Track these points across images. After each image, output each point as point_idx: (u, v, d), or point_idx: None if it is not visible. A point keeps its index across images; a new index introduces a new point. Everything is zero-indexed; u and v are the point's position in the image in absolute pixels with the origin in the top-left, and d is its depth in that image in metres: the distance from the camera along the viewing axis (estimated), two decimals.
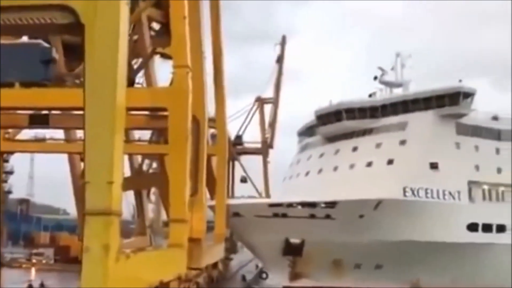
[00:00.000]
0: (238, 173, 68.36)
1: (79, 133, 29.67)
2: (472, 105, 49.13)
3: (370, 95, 54.32)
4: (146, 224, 37.68)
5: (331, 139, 52.13)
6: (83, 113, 10.95)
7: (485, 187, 48.29)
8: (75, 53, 18.80)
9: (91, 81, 10.77)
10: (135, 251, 13.40)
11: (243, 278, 34.97)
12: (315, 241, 40.92)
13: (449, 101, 47.81)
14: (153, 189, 48.92)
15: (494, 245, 44.93)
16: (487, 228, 46.05)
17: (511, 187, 49.38)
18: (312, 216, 41.72)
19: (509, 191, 49.42)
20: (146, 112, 20.10)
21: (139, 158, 37.87)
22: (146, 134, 32.73)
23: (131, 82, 17.06)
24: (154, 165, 41.14)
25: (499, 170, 49.31)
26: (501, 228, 46.58)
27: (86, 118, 10.78)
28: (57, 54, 16.33)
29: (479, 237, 45.16)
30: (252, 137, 69.99)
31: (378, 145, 47.84)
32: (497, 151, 50.17)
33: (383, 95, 54.10)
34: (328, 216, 41.57)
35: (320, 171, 50.14)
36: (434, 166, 45.93)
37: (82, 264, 10.88)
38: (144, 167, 41.87)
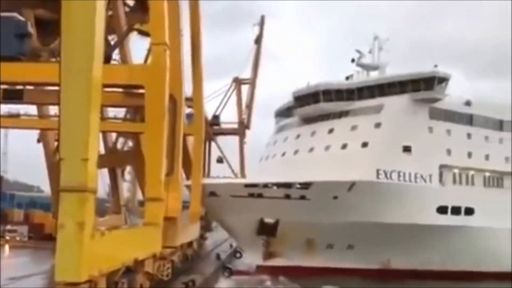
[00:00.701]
0: (215, 153, 68.26)
1: (52, 109, 29.24)
2: (446, 90, 49.77)
3: (347, 78, 54.58)
4: (121, 202, 37.52)
5: (308, 120, 52.39)
6: (58, 89, 10.81)
7: (456, 171, 49.26)
8: (48, 28, 18.45)
9: (67, 56, 10.61)
10: (110, 229, 13.40)
11: (218, 257, 35.21)
12: (289, 221, 41.36)
13: (424, 86, 48.34)
14: (128, 168, 48.63)
15: (463, 228, 46.04)
16: (456, 211, 47.11)
17: (480, 171, 50.58)
18: (287, 196, 42.10)
19: (479, 175, 50.61)
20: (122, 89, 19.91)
21: (114, 136, 37.46)
22: (121, 112, 32.41)
23: (107, 59, 16.84)
24: (130, 143, 40.79)
25: (469, 155, 50.34)
26: (469, 211, 47.71)
27: (62, 94, 10.64)
28: (32, 29, 16.02)
29: (448, 219, 46.19)
30: (229, 117, 69.79)
31: (354, 128, 48.26)
32: (469, 136, 51.14)
33: (360, 77, 54.41)
34: (302, 197, 42.00)
35: (296, 152, 50.46)
36: (407, 149, 46.61)
37: (56, 241, 10.84)
38: (119, 145, 41.47)
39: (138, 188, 47.42)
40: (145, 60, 26.74)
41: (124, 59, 27.10)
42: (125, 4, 22.54)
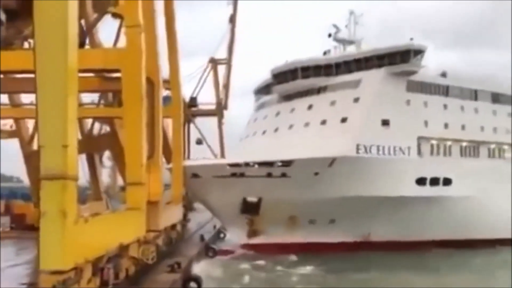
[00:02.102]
0: (194, 135, 68.04)
1: (25, 98, 28.71)
2: (422, 62, 50.16)
3: (324, 53, 54.67)
4: (101, 189, 37.13)
5: (287, 97, 52.46)
6: (34, 77, 10.63)
7: (433, 142, 49.97)
8: (17, 17, 18.02)
9: (41, 43, 10.41)
10: (93, 216, 13.35)
11: (202, 238, 35.34)
12: (272, 199, 41.66)
13: (400, 59, 48.61)
14: (107, 154, 48.19)
15: (441, 198, 46.95)
16: (434, 181, 47.95)
17: (457, 141, 51.41)
18: (269, 175, 42.32)
19: (456, 145, 51.46)
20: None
21: (88, 121, 36.95)
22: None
23: (81, 44, 16.55)
24: (107, 128, 40.35)
25: (446, 125, 51.05)
26: (447, 181, 48.61)
27: (38, 81, 10.48)
28: (4, 15, 15.64)
29: (427, 190, 47.02)
30: (207, 98, 69.47)
31: (333, 103, 48.46)
32: (445, 106, 51.79)
33: (337, 52, 54.52)
34: (284, 175, 42.26)
35: (276, 129, 50.58)
36: (385, 123, 47.05)
37: (39, 230, 10.78)
38: (95, 131, 40.95)
39: (118, 173, 47.13)
40: (115, 43, 26.33)
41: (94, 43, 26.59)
42: None
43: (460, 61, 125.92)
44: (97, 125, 39.68)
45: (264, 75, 57.65)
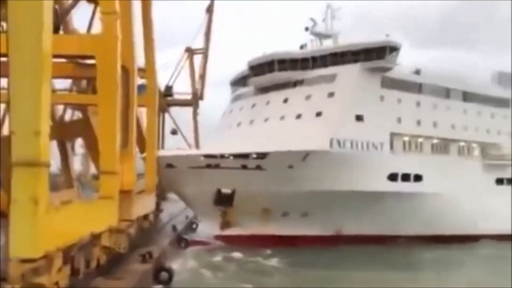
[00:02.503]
0: (168, 125, 67.67)
1: None
2: (397, 59, 50.74)
3: (301, 47, 54.81)
4: (72, 176, 36.59)
5: (263, 90, 52.49)
6: (6, 60, 10.44)
7: (406, 138, 50.74)
8: None
9: (15, 26, 10.22)
10: (65, 204, 13.21)
11: (174, 228, 35.24)
12: (246, 191, 41.74)
13: (376, 55, 49.06)
14: (80, 142, 47.49)
15: (412, 194, 47.76)
16: (406, 177, 48.71)
17: (429, 138, 52.31)
18: (244, 167, 42.36)
19: (427, 142, 52.36)
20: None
21: (60, 107, 36.30)
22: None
23: (56, 29, 16.25)
24: (80, 115, 39.68)
25: (418, 122, 51.89)
26: (418, 178, 49.44)
27: (11, 65, 10.30)
28: None
29: (398, 186, 47.75)
30: (182, 88, 69.09)
31: (308, 97, 48.68)
32: (418, 104, 52.58)
33: (314, 46, 54.74)
34: (259, 167, 42.36)
35: (251, 122, 50.62)
36: (359, 118, 47.50)
37: (8, 217, 10.63)
38: (67, 118, 40.25)
39: (91, 161, 46.47)
40: (88, 29, 25.92)
41: (70, 29, 26.13)
42: None
43: (432, 59, 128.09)
44: (69, 112, 39.09)
45: (240, 67, 57.69)
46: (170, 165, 40.79)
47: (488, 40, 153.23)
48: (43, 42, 10.54)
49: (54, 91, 28.22)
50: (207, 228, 43.36)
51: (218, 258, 35.82)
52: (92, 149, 30.70)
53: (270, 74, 51.36)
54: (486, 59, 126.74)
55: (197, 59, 68.98)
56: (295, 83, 50.55)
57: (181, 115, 68.70)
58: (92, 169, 49.51)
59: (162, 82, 59.95)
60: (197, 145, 65.47)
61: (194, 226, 44.30)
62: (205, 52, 67.96)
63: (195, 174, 41.15)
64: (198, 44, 68.10)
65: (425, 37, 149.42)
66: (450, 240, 47.46)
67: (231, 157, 42.46)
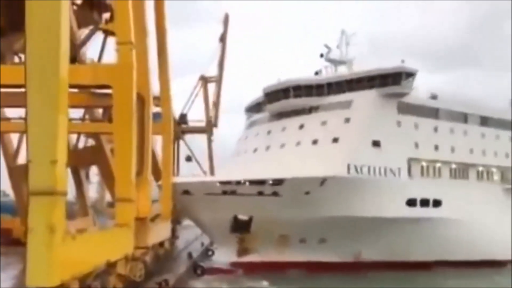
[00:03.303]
0: (183, 152, 68.08)
1: (8, 111, 28.46)
2: (413, 85, 50.70)
3: (316, 73, 55.14)
4: (87, 204, 36.45)
5: (279, 116, 52.69)
6: (24, 91, 10.60)
7: (423, 163, 50.29)
8: (11, 29, 18.05)
9: (33, 57, 10.41)
10: (81, 232, 13.22)
11: (190, 255, 34.90)
12: (262, 218, 41.55)
13: (392, 81, 49.14)
14: (95, 170, 47.70)
15: (431, 219, 47.04)
16: (424, 203, 48.09)
17: (447, 163, 51.75)
18: (260, 193, 42.24)
19: (445, 167, 51.78)
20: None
21: (74, 135, 36.59)
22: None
23: (73, 59, 16.56)
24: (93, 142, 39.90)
25: (436, 147, 51.46)
26: (437, 203, 48.78)
27: (28, 95, 10.44)
28: None
29: (417, 211, 47.13)
30: (197, 116, 69.72)
31: (324, 123, 48.73)
32: (435, 129, 52.24)
33: (329, 72, 55.01)
34: (275, 193, 42.22)
35: (267, 148, 50.67)
36: (376, 143, 47.33)
37: (26, 245, 10.65)
38: (81, 145, 40.52)
39: (106, 189, 46.64)
40: (99, 59, 26.35)
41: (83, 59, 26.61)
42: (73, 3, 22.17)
43: (445, 82, 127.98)
44: (82, 139, 39.40)
45: (254, 94, 58.15)
46: (186, 192, 40.87)
47: (496, 59, 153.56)
48: (60, 71, 10.71)
49: (70, 120, 28.59)
50: (224, 255, 43.08)
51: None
52: (107, 177, 30.78)
53: (285, 100, 51.63)
54: (497, 78, 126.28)
55: (211, 87, 69.74)
56: (311, 109, 50.68)
57: (195, 143, 69.23)
58: (108, 197, 49.70)
59: (177, 110, 60.51)
60: (212, 172, 65.60)
61: (209, 253, 43.98)
62: (218, 80, 68.73)
63: (211, 200, 41.13)
64: (212, 72, 68.95)
65: (437, 61, 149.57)
66: (469, 265, 46.49)
67: (247, 184, 42.39)
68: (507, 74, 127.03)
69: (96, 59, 25.68)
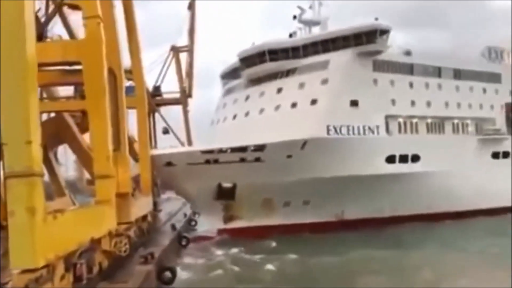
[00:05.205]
0: (159, 125, 67.54)
1: None
2: (387, 42, 50.63)
3: (290, 35, 54.59)
4: (62, 184, 35.61)
5: (256, 81, 52.33)
6: None
7: (401, 120, 50.78)
8: None
9: None
10: (62, 211, 13.21)
11: (173, 227, 35.12)
12: (246, 184, 41.81)
13: (366, 39, 48.94)
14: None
15: (410, 174, 47.90)
16: (403, 159, 48.83)
17: (423, 118, 52.37)
18: (243, 160, 42.34)
19: (422, 122, 52.42)
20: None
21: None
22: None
23: (40, 37, 16.17)
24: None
25: (412, 103, 51.90)
26: (416, 158, 49.57)
27: None
28: None
29: (397, 167, 47.88)
30: (170, 87, 68.95)
31: (302, 85, 48.57)
32: (411, 84, 52.57)
33: (303, 34, 54.55)
34: (257, 159, 42.36)
35: (247, 114, 50.47)
36: (354, 103, 47.49)
37: (7, 229, 10.66)
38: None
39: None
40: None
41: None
42: None
43: (411, 40, 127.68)
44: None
45: (228, 61, 57.54)
46: (169, 163, 40.79)
47: (459, 18, 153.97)
48: (27, 50, 10.52)
49: (56, 99, 28.04)
50: (210, 223, 43.48)
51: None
52: (79, 153, 30.24)
53: (261, 64, 51.18)
54: (459, 37, 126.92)
55: (183, 56, 68.78)
56: (288, 72, 50.42)
57: (171, 115, 68.70)
58: (87, 175, 49.11)
59: (149, 82, 59.73)
60: (189, 143, 65.39)
61: (193, 223, 44.27)
62: (190, 49, 67.71)
63: (195, 170, 41.16)
64: (184, 42, 67.91)
65: (400, 20, 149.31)
66: (449, 216, 47.77)
67: (229, 151, 42.46)
68: (476, 30, 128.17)
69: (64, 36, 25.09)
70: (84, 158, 28.29)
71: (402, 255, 33.33)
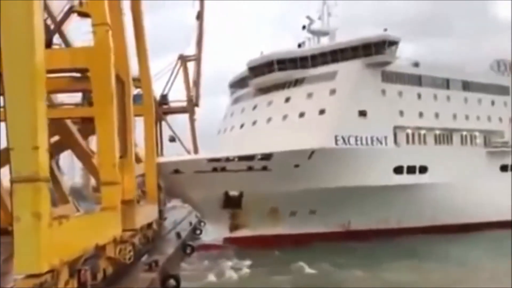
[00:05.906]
0: (166, 133, 67.76)
1: None
2: (396, 53, 50.65)
3: (299, 45, 54.74)
4: (65, 191, 35.60)
5: (264, 90, 52.43)
6: (0, 78, 10.50)
7: (409, 131, 50.65)
8: None
9: (7, 44, 10.28)
10: (67, 217, 13.23)
11: (178, 235, 34.99)
12: (253, 193, 41.74)
13: (375, 50, 49.01)
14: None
15: (418, 186, 47.63)
16: (411, 170, 48.61)
17: (431, 130, 52.17)
18: (250, 168, 42.34)
19: (430, 133, 52.23)
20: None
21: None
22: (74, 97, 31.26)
23: (48, 44, 16.30)
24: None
25: (420, 114, 51.78)
26: (423, 169, 49.34)
27: (5, 83, 10.36)
28: None
29: (404, 179, 47.65)
30: (177, 96, 69.25)
31: (310, 95, 48.65)
32: (419, 96, 52.49)
33: (312, 44, 54.66)
34: (264, 168, 42.35)
35: (254, 123, 50.53)
36: (362, 113, 47.47)
37: (13, 235, 10.66)
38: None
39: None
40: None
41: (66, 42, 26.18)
42: None
43: (418, 50, 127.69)
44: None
45: (236, 71, 57.71)
46: (176, 171, 40.85)
47: (464, 28, 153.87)
48: (36, 58, 10.59)
49: (51, 106, 28.18)
50: (216, 231, 43.39)
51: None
52: (84, 159, 30.38)
53: (270, 74, 51.35)
54: (464, 46, 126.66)
55: (191, 65, 69.13)
56: (296, 82, 50.51)
57: (178, 123, 68.98)
58: (93, 182, 49.13)
59: (157, 91, 60.01)
60: (195, 151, 65.50)
61: (198, 232, 44.16)
62: (197, 58, 68.05)
63: (202, 178, 41.17)
64: (191, 51, 68.30)
65: (409, 30, 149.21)
66: (457, 229, 47.38)
67: (237, 160, 42.44)
68: (480, 40, 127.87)
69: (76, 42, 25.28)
70: (89, 162, 28.35)
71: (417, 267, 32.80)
